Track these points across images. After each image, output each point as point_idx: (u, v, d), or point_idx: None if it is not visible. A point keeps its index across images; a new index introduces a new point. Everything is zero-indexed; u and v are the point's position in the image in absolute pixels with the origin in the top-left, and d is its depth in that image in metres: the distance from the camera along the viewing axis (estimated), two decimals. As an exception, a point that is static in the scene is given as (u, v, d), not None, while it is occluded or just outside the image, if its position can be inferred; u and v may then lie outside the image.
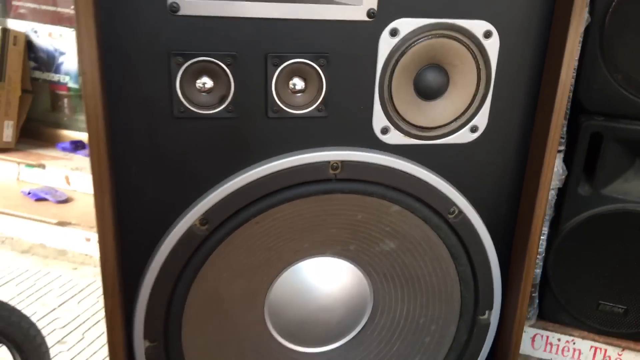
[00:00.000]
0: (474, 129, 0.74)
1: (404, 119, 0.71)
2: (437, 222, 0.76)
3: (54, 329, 1.85)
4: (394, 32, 0.67)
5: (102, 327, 2.47)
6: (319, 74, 0.67)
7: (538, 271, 2.27)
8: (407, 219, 0.76)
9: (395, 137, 0.72)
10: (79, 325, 2.45)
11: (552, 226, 2.19)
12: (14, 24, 3.04)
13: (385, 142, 0.72)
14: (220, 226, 0.71)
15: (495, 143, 0.75)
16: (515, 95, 0.73)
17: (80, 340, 2.36)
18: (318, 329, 0.83)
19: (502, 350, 0.85)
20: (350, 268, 0.81)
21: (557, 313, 2.33)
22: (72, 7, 3.08)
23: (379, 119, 0.71)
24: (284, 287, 0.80)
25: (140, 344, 0.74)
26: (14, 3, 3.10)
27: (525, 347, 2.40)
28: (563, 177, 2.11)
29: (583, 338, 2.12)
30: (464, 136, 0.74)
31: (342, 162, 0.71)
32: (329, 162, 0.71)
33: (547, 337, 2.41)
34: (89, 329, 2.44)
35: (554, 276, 2.26)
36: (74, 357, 2.26)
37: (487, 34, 0.69)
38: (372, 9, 0.66)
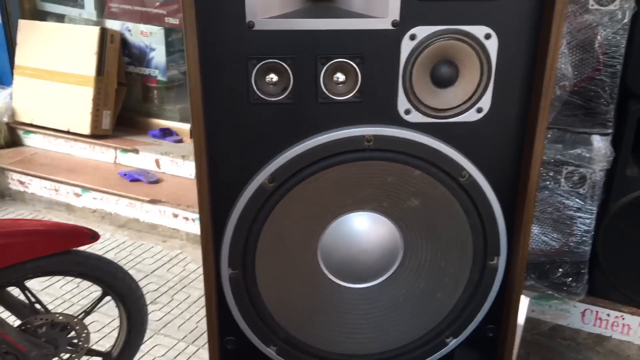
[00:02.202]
0: (479, 110, 0.94)
1: (422, 103, 0.93)
2: (451, 184, 0.97)
3: (147, 292, 2.15)
4: (412, 37, 0.89)
5: (189, 290, 2.82)
6: (356, 69, 0.90)
7: (587, 249, 2.39)
8: (428, 181, 0.97)
9: (416, 117, 0.94)
10: (169, 289, 2.81)
11: (601, 206, 2.31)
12: (110, 24, 3.40)
13: (408, 121, 0.94)
14: (283, 183, 0.95)
15: (497, 121, 0.94)
16: (512, 82, 0.92)
17: (170, 301, 2.71)
18: (359, 269, 1.06)
19: (509, 290, 1.04)
20: (384, 221, 1.03)
21: (606, 289, 2.45)
22: (157, 4, 3.39)
23: (402, 103, 0.93)
24: (333, 233, 1.03)
25: (225, 271, 0.99)
26: (108, 4, 3.47)
27: (575, 322, 2.53)
28: (610, 158, 2.23)
29: (632, 314, 2.23)
30: (472, 116, 0.94)
31: (375, 135, 0.93)
32: (364, 136, 0.93)
33: (597, 312, 2.52)
34: (177, 292, 2.80)
35: (603, 254, 2.38)
36: (165, 315, 2.62)
37: (487, 36, 0.89)
38: (396, 20, 0.88)
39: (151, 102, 3.56)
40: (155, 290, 2.73)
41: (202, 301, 2.67)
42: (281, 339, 1.05)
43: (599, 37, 2.06)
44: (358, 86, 0.91)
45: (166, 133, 3.47)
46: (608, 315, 2.40)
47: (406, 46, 0.89)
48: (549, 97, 0.89)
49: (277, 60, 0.88)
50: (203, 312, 2.60)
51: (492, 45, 0.89)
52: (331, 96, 0.91)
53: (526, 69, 0.91)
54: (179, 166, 3.20)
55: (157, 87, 3.53)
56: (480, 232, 1.00)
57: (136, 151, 3.30)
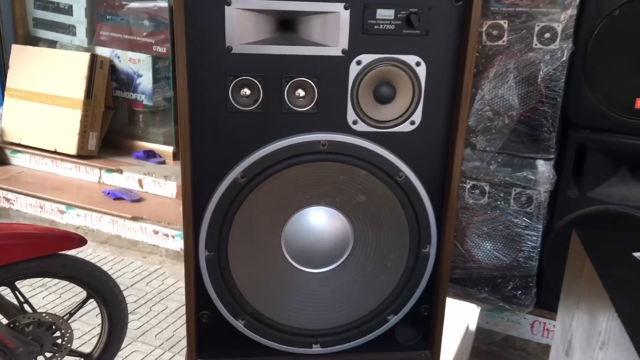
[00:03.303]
0: (412, 123, 1.16)
1: (367, 115, 1.14)
2: (391, 182, 1.18)
3: (127, 303, 2.30)
4: (358, 62, 1.11)
5: (166, 302, 2.97)
6: (313, 87, 1.11)
7: (534, 264, 2.62)
8: (372, 180, 1.18)
9: (362, 127, 1.15)
10: (147, 301, 2.97)
11: (547, 224, 2.55)
12: (100, 51, 3.59)
13: (356, 130, 1.15)
14: (252, 179, 1.15)
15: (427, 131, 1.16)
16: (438, 101, 1.14)
17: (148, 312, 2.87)
18: (317, 256, 1.25)
19: (439, 274, 1.25)
20: (337, 214, 1.23)
21: (553, 302, 2.67)
22: (144, 34, 3.57)
23: (351, 115, 1.14)
24: (294, 224, 1.22)
25: (202, 253, 1.18)
26: (98, 32, 3.66)
27: (525, 333, 2.74)
28: (553, 181, 2.48)
29: (576, 325, 2.43)
30: (406, 127, 1.16)
31: (328, 141, 1.14)
32: (319, 141, 1.14)
33: (545, 323, 2.74)
34: (155, 304, 2.95)
35: (549, 268, 2.62)
36: (143, 325, 2.78)
37: (418, 64, 1.12)
38: (345, 48, 1.10)
39: (136, 125, 3.72)
40: (134, 302, 2.87)
41: (179, 312, 2.83)
42: (248, 314, 1.24)
43: (541, 72, 2.33)
44: (315, 100, 1.12)
45: (150, 155, 3.62)
46: (554, 326, 2.60)
47: (353, 69, 1.11)
48: (467, 112, 1.11)
49: (250, 77, 1.10)
50: (180, 321, 2.75)
51: (422, 71, 1.12)
52: (293, 107, 1.12)
53: (449, 90, 1.14)
54: (161, 186, 3.36)
55: (143, 111, 3.70)
56: (414, 224, 1.21)
57: (120, 171, 3.45)
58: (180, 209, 1.13)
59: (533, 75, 2.30)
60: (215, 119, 1.12)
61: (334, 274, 1.26)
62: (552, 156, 2.34)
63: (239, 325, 1.24)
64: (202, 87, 1.09)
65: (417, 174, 1.17)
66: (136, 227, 3.18)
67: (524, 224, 2.43)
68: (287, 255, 1.24)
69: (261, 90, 1.11)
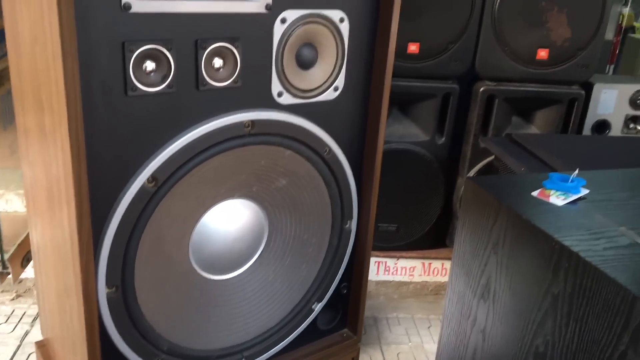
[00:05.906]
0: (336, 89, 1.01)
1: (292, 84, 0.95)
2: (316, 159, 1.03)
3: None
4: (283, 20, 0.90)
5: None
6: (235, 54, 0.87)
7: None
8: (296, 160, 1.01)
9: (287, 99, 0.96)
10: None
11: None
12: None
13: (281, 103, 0.95)
14: (165, 182, 0.86)
15: (349, 97, 1.03)
16: (360, 62, 1.02)
17: None
18: (228, 259, 1.04)
19: (360, 249, 1.17)
20: (249, 205, 1.03)
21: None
22: None
23: (276, 86, 0.94)
24: (203, 228, 0.98)
25: (102, 291, 0.86)
26: None
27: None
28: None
29: (368, 256, 2.56)
30: (330, 94, 1.01)
31: (252, 120, 0.92)
32: (243, 122, 0.91)
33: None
34: None
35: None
36: None
37: (341, 20, 0.97)
38: (268, 3, 0.88)
39: None
40: None
41: None
42: (165, 352, 0.96)
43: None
44: (237, 71, 0.88)
45: None
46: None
47: (278, 29, 0.90)
48: (391, 69, 1.02)
49: (158, 47, 0.79)
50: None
51: (345, 28, 0.98)
52: (212, 83, 0.86)
53: (369, 49, 1.02)
54: None
55: None
56: (338, 201, 1.09)
57: None
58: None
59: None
60: (112, 106, 0.79)
61: (251, 275, 1.07)
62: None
63: (153, 368, 0.96)
64: (90, 63, 0.75)
65: (341, 146, 1.05)
66: None
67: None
68: (196, 267, 0.99)
69: (172, 63, 0.81)
